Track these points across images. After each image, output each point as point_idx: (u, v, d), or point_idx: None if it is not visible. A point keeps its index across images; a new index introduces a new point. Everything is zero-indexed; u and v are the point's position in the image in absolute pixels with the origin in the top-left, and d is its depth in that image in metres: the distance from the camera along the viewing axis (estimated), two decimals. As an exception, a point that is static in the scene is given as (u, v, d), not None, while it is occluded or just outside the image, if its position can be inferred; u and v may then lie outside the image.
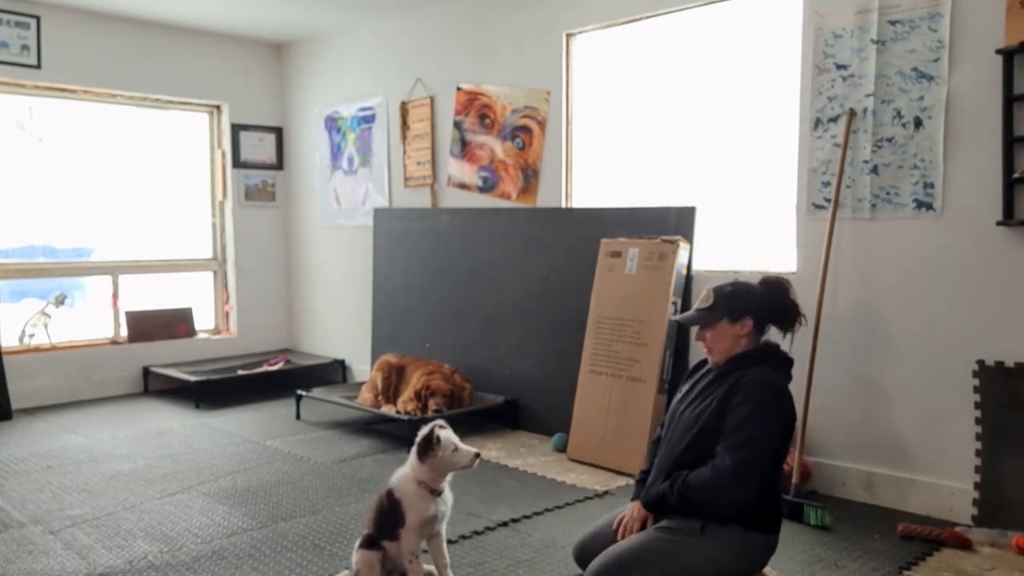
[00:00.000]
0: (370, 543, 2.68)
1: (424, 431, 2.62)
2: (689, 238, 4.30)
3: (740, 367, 2.44)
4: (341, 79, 6.47)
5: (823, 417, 3.84)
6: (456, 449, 2.59)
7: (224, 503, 3.72)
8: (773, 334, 2.58)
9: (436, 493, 2.62)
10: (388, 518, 2.64)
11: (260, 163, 6.92)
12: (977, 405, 3.40)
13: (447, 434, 2.61)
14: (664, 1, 4.43)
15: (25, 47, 5.59)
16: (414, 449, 2.63)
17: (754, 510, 2.36)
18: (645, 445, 3.84)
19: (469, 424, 5.02)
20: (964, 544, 3.16)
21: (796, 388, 3.76)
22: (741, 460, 2.29)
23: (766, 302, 2.51)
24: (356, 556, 2.70)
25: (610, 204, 4.84)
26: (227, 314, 6.91)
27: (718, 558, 2.34)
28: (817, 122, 3.87)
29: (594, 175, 5.00)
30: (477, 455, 2.61)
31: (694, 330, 2.62)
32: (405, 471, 2.66)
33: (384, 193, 6.16)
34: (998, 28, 3.30)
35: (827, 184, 3.83)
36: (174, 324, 6.53)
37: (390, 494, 2.65)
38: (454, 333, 5.54)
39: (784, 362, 2.51)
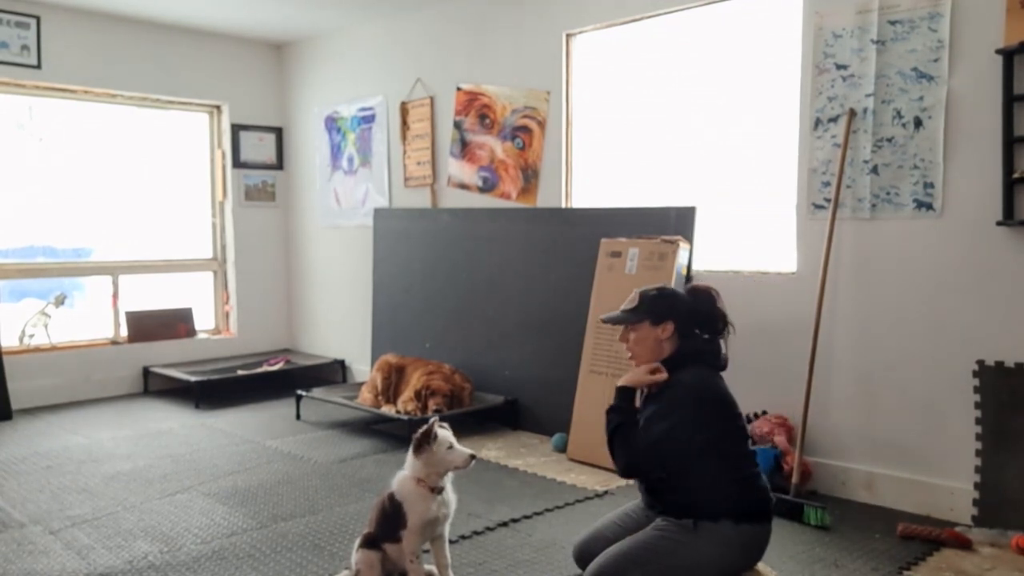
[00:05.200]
0: (370, 542, 2.69)
1: (424, 427, 2.63)
2: (689, 238, 4.30)
3: (671, 372, 2.48)
4: (341, 79, 6.47)
5: (823, 417, 3.84)
6: (451, 447, 2.60)
7: (224, 503, 3.72)
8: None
9: (437, 491, 2.62)
10: (390, 520, 2.64)
11: (260, 163, 6.92)
12: (977, 405, 3.40)
13: (444, 432, 2.62)
14: (664, 1, 4.43)
15: (25, 47, 5.58)
16: (411, 445, 2.65)
17: (739, 503, 2.39)
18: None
19: (469, 424, 5.02)
20: (964, 544, 3.16)
21: (796, 388, 3.80)
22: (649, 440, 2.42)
23: (690, 309, 2.54)
24: (356, 556, 2.70)
25: (610, 204, 4.84)
26: (227, 314, 6.91)
27: (714, 553, 2.37)
28: (817, 122, 3.87)
29: (594, 175, 5.00)
30: (472, 457, 2.60)
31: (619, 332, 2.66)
32: (404, 472, 2.67)
33: (384, 193, 6.16)
34: (998, 28, 3.31)
35: (827, 184, 3.83)
36: (174, 324, 6.53)
37: (392, 497, 2.65)
38: (454, 333, 5.54)
39: (712, 356, 2.53)
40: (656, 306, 2.53)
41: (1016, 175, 3.26)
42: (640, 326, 2.53)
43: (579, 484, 3.97)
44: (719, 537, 2.36)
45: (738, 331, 4.08)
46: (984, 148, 3.37)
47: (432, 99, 5.76)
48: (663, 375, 2.47)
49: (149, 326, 6.38)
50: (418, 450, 2.60)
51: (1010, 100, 3.26)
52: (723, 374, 2.57)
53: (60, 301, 6.01)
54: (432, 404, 4.78)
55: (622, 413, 2.49)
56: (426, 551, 2.74)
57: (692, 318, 2.53)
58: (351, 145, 6.41)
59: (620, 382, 2.54)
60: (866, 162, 3.72)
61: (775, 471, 3.72)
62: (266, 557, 3.11)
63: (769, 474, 3.67)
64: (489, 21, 5.36)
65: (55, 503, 3.72)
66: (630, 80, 4.77)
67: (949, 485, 3.50)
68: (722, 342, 2.57)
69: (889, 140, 3.65)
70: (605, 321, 2.69)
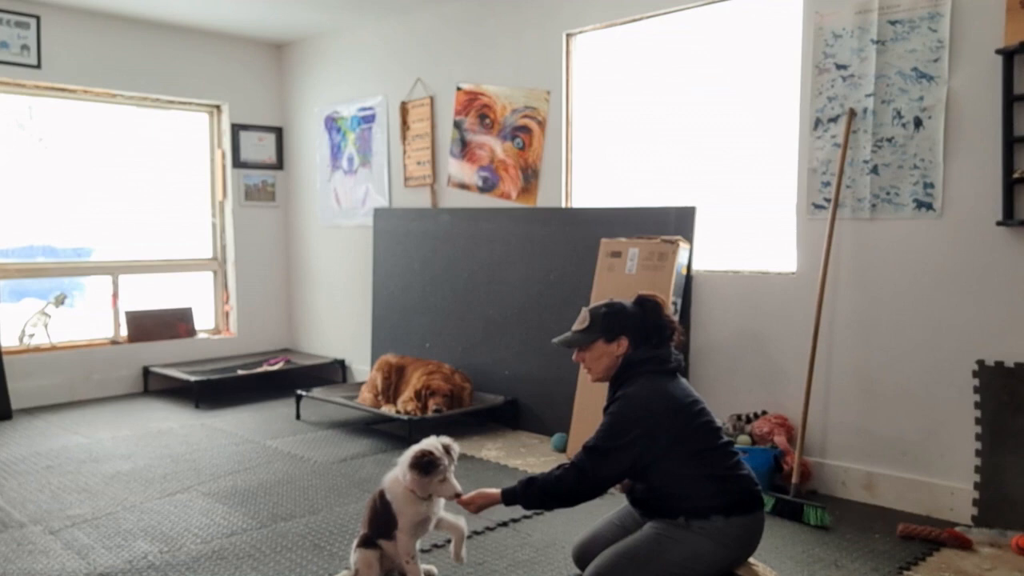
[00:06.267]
0: (367, 542, 2.68)
1: (426, 447, 2.57)
2: (689, 238, 4.30)
3: (619, 386, 2.50)
4: (341, 79, 6.47)
5: (823, 417, 3.84)
6: (443, 480, 2.55)
7: (224, 503, 3.72)
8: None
9: (424, 498, 2.61)
10: (381, 517, 2.64)
11: (260, 163, 6.92)
12: (977, 405, 3.40)
13: (444, 466, 2.55)
14: (664, 1, 4.43)
15: (25, 47, 5.59)
16: (408, 457, 2.59)
17: (725, 498, 2.40)
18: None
19: (469, 424, 5.02)
20: (964, 544, 3.16)
21: (796, 388, 3.80)
22: (582, 456, 2.43)
23: (640, 321, 2.54)
24: (354, 555, 2.70)
25: (610, 204, 4.84)
26: (227, 314, 6.91)
27: (710, 548, 2.38)
28: (817, 122, 3.87)
29: (594, 175, 5.00)
30: (459, 494, 2.55)
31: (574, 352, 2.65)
32: (395, 476, 2.64)
33: (384, 193, 6.16)
34: (998, 28, 3.31)
35: (827, 184, 3.83)
36: (174, 324, 6.53)
37: (382, 495, 2.65)
38: (454, 333, 5.54)
39: (660, 362, 2.51)
40: (608, 324, 2.53)
41: (1016, 175, 3.26)
42: (594, 346, 2.54)
43: (579, 484, 3.97)
44: (713, 532, 2.37)
45: (738, 331, 4.11)
46: (984, 148, 3.37)
47: (432, 99, 5.76)
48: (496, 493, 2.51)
49: (149, 326, 6.38)
50: (415, 468, 2.55)
51: (1010, 100, 3.26)
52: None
53: (60, 301, 6.01)
54: (432, 404, 4.79)
55: (520, 492, 2.48)
56: (426, 551, 2.73)
57: (643, 330, 2.53)
58: (351, 145, 6.41)
59: (486, 501, 2.55)
60: (866, 162, 3.72)
61: (775, 471, 3.72)
62: (266, 557, 3.11)
63: (769, 474, 3.67)
64: (489, 21, 5.36)
65: (55, 503, 3.72)
66: (630, 80, 4.77)
67: (949, 485, 3.50)
68: (673, 348, 2.56)
69: (889, 140, 3.65)
70: (558, 344, 2.65)
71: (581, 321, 2.58)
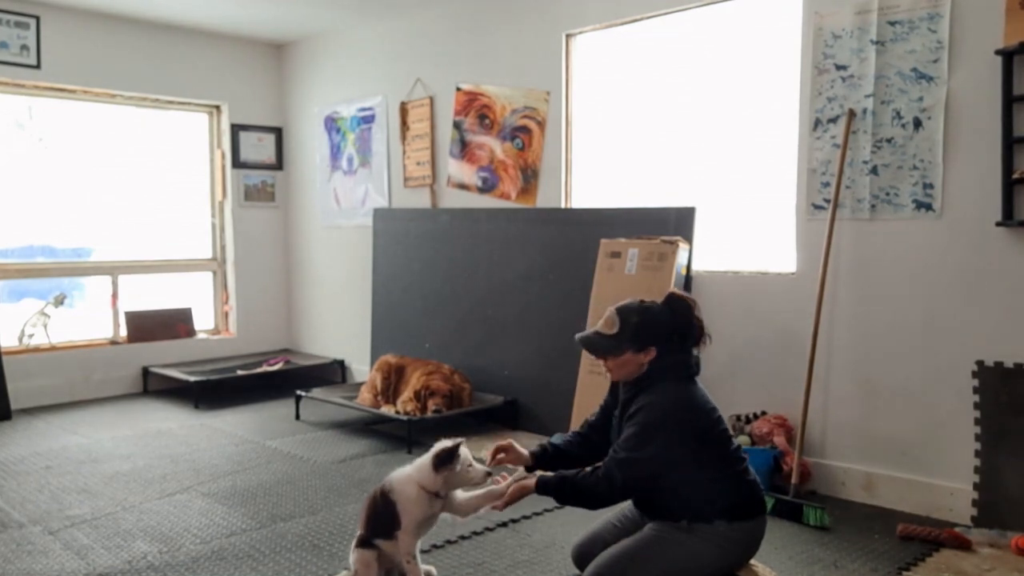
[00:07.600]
0: (365, 542, 2.67)
1: (446, 444, 2.58)
2: (689, 238, 4.30)
3: (641, 391, 2.44)
4: (341, 79, 6.47)
5: (823, 417, 3.84)
6: (471, 466, 2.59)
7: (223, 503, 3.72)
8: None
9: (438, 496, 2.61)
10: (382, 518, 2.62)
11: (260, 163, 6.92)
12: (976, 406, 3.40)
13: (464, 450, 2.60)
14: (664, 1, 4.43)
15: (25, 47, 5.59)
16: (429, 459, 2.58)
17: (730, 502, 2.39)
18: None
19: (469, 424, 5.02)
20: (963, 544, 3.16)
21: (796, 388, 3.80)
22: (611, 472, 2.38)
23: (670, 326, 2.46)
24: (352, 556, 2.69)
25: (610, 204, 4.84)
26: (227, 314, 6.91)
27: (711, 551, 2.38)
28: (817, 122, 3.87)
29: (594, 175, 5.00)
30: (488, 474, 2.58)
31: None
32: (408, 474, 2.63)
33: (384, 193, 6.16)
34: (998, 28, 3.31)
35: (827, 184, 3.83)
36: (174, 324, 6.53)
37: (385, 495, 2.63)
38: (453, 333, 5.54)
39: (684, 367, 2.47)
40: (640, 334, 2.43)
41: (1016, 175, 3.26)
42: (623, 355, 2.45)
43: (579, 484, 3.97)
44: (715, 536, 2.37)
45: (738, 332, 4.11)
46: (984, 148, 3.37)
47: (432, 99, 5.76)
48: (531, 482, 2.50)
49: (149, 326, 6.38)
50: (440, 467, 2.55)
51: (1009, 100, 3.26)
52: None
53: (59, 301, 6.01)
54: (431, 404, 4.78)
55: (555, 486, 2.47)
56: (425, 551, 2.73)
57: (672, 335, 2.46)
58: (351, 145, 6.41)
59: (519, 492, 2.55)
60: (866, 162, 3.72)
61: (774, 471, 3.72)
62: (265, 557, 3.11)
63: (768, 474, 3.68)
64: (489, 21, 5.36)
65: (55, 503, 3.72)
66: (630, 80, 4.77)
67: (948, 485, 3.50)
68: (695, 351, 2.51)
69: (889, 141, 3.65)
70: (581, 343, 2.55)
71: (609, 324, 2.46)
